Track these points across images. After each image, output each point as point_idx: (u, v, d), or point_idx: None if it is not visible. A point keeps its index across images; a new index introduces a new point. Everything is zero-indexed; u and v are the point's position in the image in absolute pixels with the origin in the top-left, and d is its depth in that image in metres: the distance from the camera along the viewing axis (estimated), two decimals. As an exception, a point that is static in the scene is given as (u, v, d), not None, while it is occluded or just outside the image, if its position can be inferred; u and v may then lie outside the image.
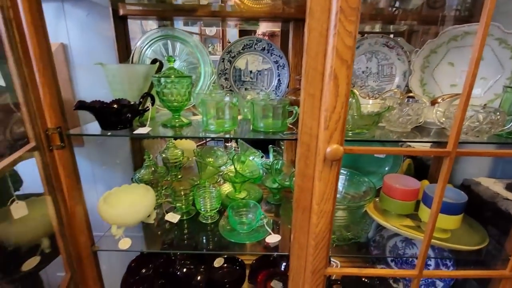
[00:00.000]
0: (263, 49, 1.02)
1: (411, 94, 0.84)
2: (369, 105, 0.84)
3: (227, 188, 1.15)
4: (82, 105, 0.69)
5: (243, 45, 1.02)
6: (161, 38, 1.04)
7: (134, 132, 0.71)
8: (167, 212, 0.97)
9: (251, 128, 0.79)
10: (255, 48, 1.02)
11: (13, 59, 0.58)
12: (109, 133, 0.72)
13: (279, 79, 1.04)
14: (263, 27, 1.39)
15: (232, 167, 1.05)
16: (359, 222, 0.95)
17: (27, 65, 0.60)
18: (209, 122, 0.76)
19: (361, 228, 0.93)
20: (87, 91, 1.13)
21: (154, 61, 0.91)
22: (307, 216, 0.61)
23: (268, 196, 1.14)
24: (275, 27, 1.49)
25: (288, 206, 1.07)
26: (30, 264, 0.76)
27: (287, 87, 1.04)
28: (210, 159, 1.10)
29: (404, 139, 0.79)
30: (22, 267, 0.75)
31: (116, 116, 0.71)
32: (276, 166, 1.11)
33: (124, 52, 1.04)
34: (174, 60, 0.79)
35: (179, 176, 1.12)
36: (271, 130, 0.76)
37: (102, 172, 1.22)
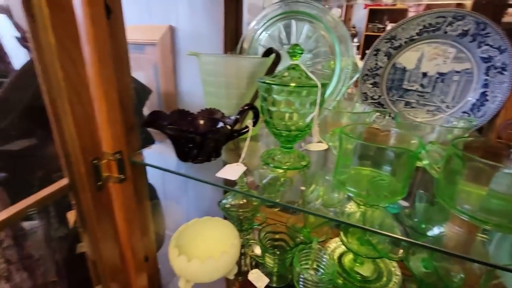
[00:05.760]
0: (464, 34, 0.54)
1: None
2: None
3: (335, 245, 0.75)
4: (152, 122, 0.44)
5: (421, 27, 0.57)
6: (283, 17, 0.72)
7: (217, 174, 0.43)
8: (252, 267, 0.69)
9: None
10: (445, 33, 0.55)
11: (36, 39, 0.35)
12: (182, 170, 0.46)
13: (484, 93, 0.55)
14: None
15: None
16: None
17: (64, 48, 0.36)
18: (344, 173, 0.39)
19: None
20: (189, 86, 0.95)
21: (268, 52, 0.59)
22: None
23: (409, 280, 0.70)
24: None
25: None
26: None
27: (500, 109, 0.54)
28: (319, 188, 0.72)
29: None
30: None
31: (196, 146, 0.44)
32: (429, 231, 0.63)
33: (233, 37, 0.78)
34: (301, 52, 0.44)
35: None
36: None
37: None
